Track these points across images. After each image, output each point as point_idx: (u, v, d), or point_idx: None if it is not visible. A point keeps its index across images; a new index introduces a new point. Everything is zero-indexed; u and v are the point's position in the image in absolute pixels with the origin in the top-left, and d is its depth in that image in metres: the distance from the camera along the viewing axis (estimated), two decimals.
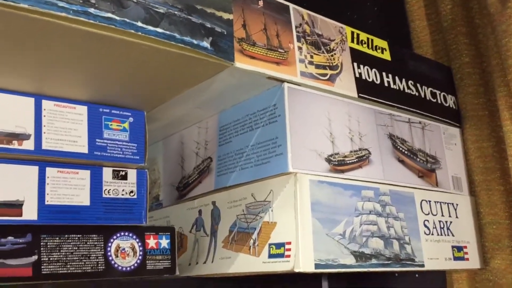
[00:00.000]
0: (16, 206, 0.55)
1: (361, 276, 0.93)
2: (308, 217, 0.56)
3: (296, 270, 0.54)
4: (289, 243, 0.55)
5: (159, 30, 0.46)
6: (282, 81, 0.60)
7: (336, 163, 0.62)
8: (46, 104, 0.58)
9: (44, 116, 0.57)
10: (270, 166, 0.60)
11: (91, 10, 0.42)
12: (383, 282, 0.89)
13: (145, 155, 0.64)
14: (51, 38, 0.44)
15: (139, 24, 0.44)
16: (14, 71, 0.53)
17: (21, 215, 0.55)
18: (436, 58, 0.89)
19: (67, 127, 0.58)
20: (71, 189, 0.59)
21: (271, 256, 0.57)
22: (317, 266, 0.55)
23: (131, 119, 0.64)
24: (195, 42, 0.48)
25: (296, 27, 0.62)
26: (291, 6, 0.63)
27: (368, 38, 0.71)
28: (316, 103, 0.62)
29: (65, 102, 0.59)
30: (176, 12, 0.47)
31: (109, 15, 0.43)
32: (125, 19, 0.43)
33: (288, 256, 0.55)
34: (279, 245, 0.56)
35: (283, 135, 0.59)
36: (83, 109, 0.60)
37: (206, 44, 0.49)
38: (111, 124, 0.62)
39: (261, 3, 0.59)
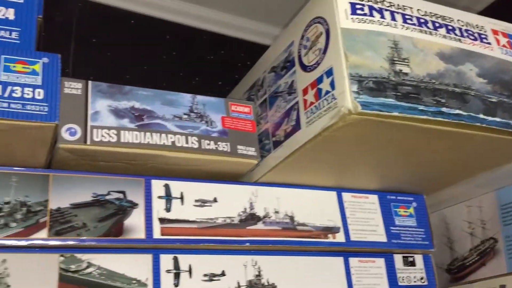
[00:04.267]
0: None
1: None
2: None
3: None
4: None
5: (497, 119, 0.46)
6: None
7: None
8: (345, 196, 0.60)
9: (346, 208, 0.59)
10: None
11: (443, 109, 0.43)
12: None
13: (432, 240, 0.63)
14: (401, 139, 0.46)
15: (481, 116, 0.45)
16: (320, 169, 0.56)
17: None
18: None
19: (366, 217, 0.60)
20: (371, 278, 0.59)
21: None
22: None
23: (414, 204, 0.64)
24: None
25: None
26: None
27: None
28: None
29: (359, 193, 0.61)
30: (505, 100, 0.47)
31: (457, 111, 0.44)
32: (470, 113, 0.44)
33: None
34: None
35: None
36: (374, 198, 0.62)
37: None
38: (399, 211, 0.63)
39: None
